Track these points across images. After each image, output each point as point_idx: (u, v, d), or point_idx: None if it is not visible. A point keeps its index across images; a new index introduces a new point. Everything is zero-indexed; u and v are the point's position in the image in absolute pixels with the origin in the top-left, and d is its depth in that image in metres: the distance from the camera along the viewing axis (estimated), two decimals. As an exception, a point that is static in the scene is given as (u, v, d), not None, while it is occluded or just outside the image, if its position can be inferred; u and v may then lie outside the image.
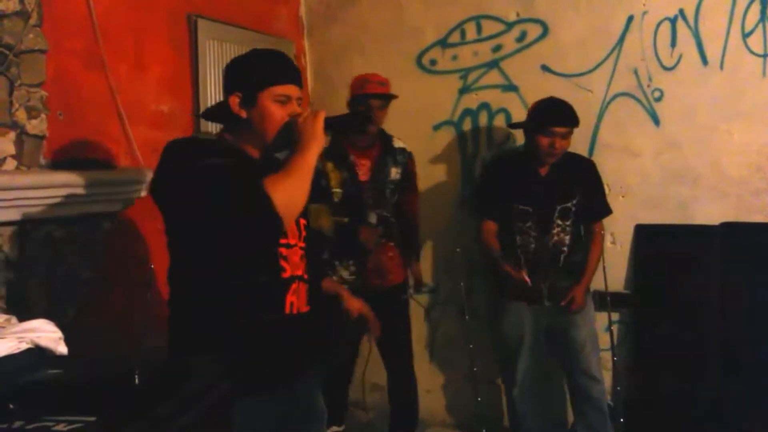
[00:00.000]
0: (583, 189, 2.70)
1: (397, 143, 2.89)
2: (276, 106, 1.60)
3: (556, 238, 2.66)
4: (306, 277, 1.69)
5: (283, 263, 1.61)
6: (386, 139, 2.87)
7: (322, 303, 1.83)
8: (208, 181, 1.45)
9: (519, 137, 3.16)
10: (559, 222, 2.67)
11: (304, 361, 1.71)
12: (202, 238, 1.52)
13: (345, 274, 2.76)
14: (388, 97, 2.76)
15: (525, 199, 2.65)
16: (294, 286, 1.64)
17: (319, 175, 2.69)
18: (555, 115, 2.60)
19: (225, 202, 1.43)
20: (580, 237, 2.72)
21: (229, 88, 1.64)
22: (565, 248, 2.66)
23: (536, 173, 2.68)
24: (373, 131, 2.76)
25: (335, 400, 2.84)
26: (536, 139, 2.61)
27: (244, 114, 1.61)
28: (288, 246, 1.63)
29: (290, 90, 1.61)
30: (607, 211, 2.79)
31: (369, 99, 2.71)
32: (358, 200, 2.75)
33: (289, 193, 1.46)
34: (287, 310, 1.61)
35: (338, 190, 2.76)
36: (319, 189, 2.65)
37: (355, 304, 1.98)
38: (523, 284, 2.50)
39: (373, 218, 2.75)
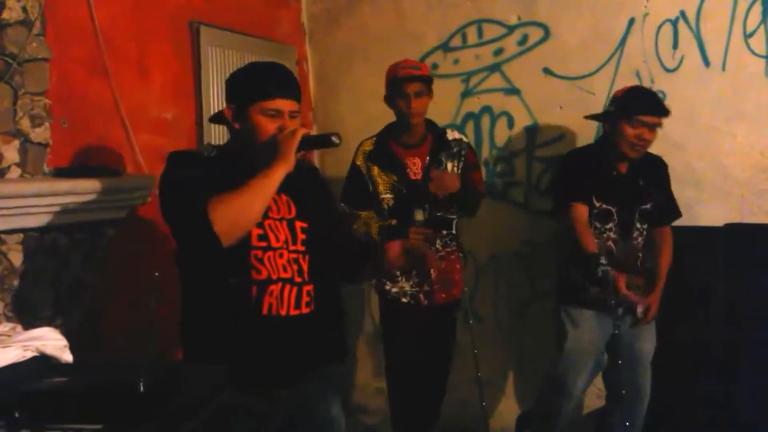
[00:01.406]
0: (658, 189, 2.56)
1: (451, 135, 2.66)
2: (265, 120, 1.65)
3: (635, 242, 2.52)
4: (299, 280, 1.71)
5: (257, 265, 1.65)
6: (438, 132, 2.66)
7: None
8: (168, 194, 1.59)
9: (520, 140, 3.18)
10: (638, 225, 2.52)
11: (298, 365, 1.72)
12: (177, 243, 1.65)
13: (407, 286, 2.58)
14: (423, 79, 2.54)
15: (607, 197, 2.45)
16: (272, 288, 1.66)
17: (365, 181, 2.59)
18: (646, 103, 2.40)
19: (173, 217, 1.57)
20: (651, 241, 2.59)
21: (226, 99, 1.73)
22: (640, 254, 2.52)
23: (617, 170, 2.49)
24: (415, 122, 2.55)
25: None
26: (622, 129, 2.40)
27: (236, 125, 1.69)
28: (266, 249, 1.67)
29: (280, 104, 1.66)
30: (678, 213, 2.63)
31: (403, 83, 2.49)
32: (413, 204, 2.53)
33: (233, 214, 1.51)
34: (264, 312, 1.65)
35: (388, 195, 2.58)
36: (365, 196, 2.59)
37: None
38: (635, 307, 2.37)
39: (419, 215, 2.51)
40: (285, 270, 1.69)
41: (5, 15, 1.95)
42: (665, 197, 2.60)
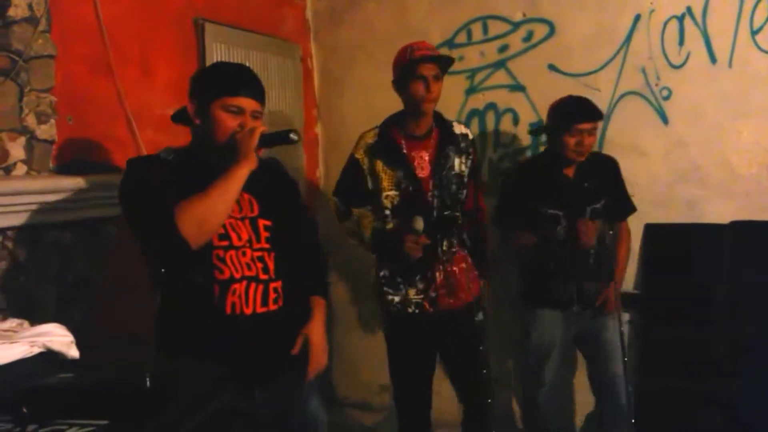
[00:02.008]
0: (609, 188, 2.66)
1: (458, 128, 2.49)
2: (226, 116, 1.66)
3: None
4: (264, 277, 1.72)
5: (219, 264, 1.66)
6: (445, 124, 2.46)
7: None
8: (131, 200, 1.63)
9: (525, 137, 3.17)
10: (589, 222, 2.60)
11: (269, 362, 1.72)
12: (141, 248, 1.67)
13: (412, 293, 2.38)
14: (444, 60, 2.35)
15: (554, 203, 2.57)
16: (235, 286, 1.67)
17: (364, 176, 2.39)
18: (579, 112, 2.53)
19: (138, 223, 1.59)
20: (605, 238, 2.67)
21: (189, 95, 1.74)
22: (593, 251, 2.60)
23: (563, 176, 2.61)
24: (429, 110, 2.36)
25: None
26: (562, 140, 2.53)
27: (197, 121, 1.70)
28: (228, 248, 1.68)
29: (243, 102, 1.68)
30: (632, 208, 2.75)
31: (419, 64, 2.26)
32: (419, 201, 2.35)
33: (199, 216, 1.54)
34: (228, 311, 1.66)
35: (392, 192, 2.36)
36: (361, 192, 2.41)
37: (312, 332, 1.84)
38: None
39: (418, 224, 2.28)
40: (249, 268, 1.70)
41: (11, 12, 1.95)
42: (617, 195, 2.69)
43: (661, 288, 2.92)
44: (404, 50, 2.36)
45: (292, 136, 1.69)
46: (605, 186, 2.64)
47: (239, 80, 1.70)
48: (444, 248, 2.39)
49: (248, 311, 1.67)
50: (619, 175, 2.72)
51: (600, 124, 2.58)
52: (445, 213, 2.40)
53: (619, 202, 2.70)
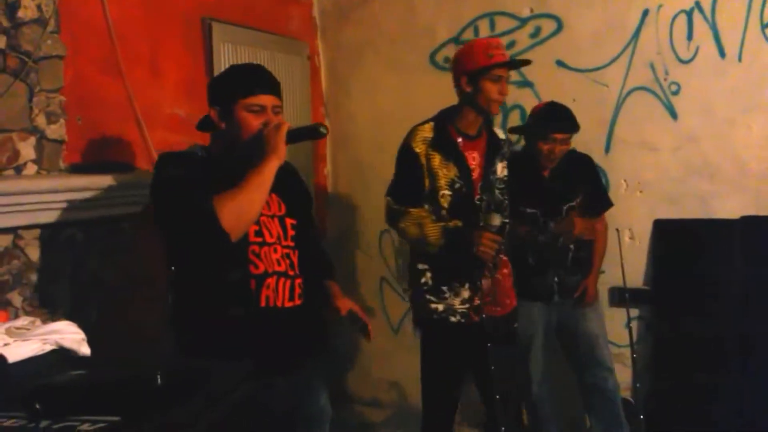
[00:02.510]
0: (585, 186, 2.72)
1: (500, 133, 2.43)
2: (250, 116, 1.71)
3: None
4: (291, 273, 1.79)
5: (255, 260, 1.72)
6: (490, 127, 2.39)
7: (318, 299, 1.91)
8: (169, 195, 1.62)
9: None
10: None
11: (294, 354, 1.78)
12: (176, 243, 1.68)
13: (456, 302, 2.26)
14: (522, 65, 2.39)
15: (531, 201, 2.63)
16: (269, 281, 1.73)
17: (423, 172, 2.24)
18: (555, 122, 2.60)
19: (176, 216, 1.58)
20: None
21: (209, 102, 1.78)
22: (572, 245, 2.66)
23: (540, 176, 2.68)
24: (497, 111, 2.31)
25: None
26: (537, 145, 2.62)
27: (222, 126, 1.74)
28: (262, 244, 1.74)
29: (263, 100, 1.72)
30: (608, 204, 2.78)
31: (499, 69, 2.22)
32: (469, 204, 2.26)
33: (238, 209, 1.57)
34: (263, 304, 1.72)
35: (446, 191, 2.24)
36: (421, 189, 2.25)
37: (345, 303, 1.93)
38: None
39: (496, 219, 2.17)
40: (279, 264, 1.77)
41: (20, 13, 1.97)
42: (593, 191, 2.73)
43: (672, 284, 2.90)
44: (481, 47, 2.25)
45: (322, 129, 1.74)
46: (580, 184, 2.70)
47: (256, 79, 1.74)
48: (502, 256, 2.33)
49: (279, 304, 1.74)
50: (594, 172, 2.79)
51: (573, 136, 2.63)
52: (506, 221, 2.33)
53: (595, 199, 2.74)
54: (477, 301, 2.27)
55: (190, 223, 1.56)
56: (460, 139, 2.28)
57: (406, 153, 2.28)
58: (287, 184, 1.84)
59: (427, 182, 2.25)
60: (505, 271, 2.39)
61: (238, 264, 1.70)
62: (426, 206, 2.27)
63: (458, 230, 2.22)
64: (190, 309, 1.74)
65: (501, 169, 2.40)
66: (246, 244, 1.69)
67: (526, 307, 2.65)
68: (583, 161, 2.77)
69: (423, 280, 2.29)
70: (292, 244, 1.82)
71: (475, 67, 2.21)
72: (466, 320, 2.27)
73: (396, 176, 2.33)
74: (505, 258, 2.39)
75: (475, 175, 2.30)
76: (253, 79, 1.74)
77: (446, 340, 2.31)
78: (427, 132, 2.28)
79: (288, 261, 1.79)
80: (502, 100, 2.27)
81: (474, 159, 2.30)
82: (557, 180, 2.68)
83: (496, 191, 2.37)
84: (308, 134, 1.79)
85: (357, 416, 3.48)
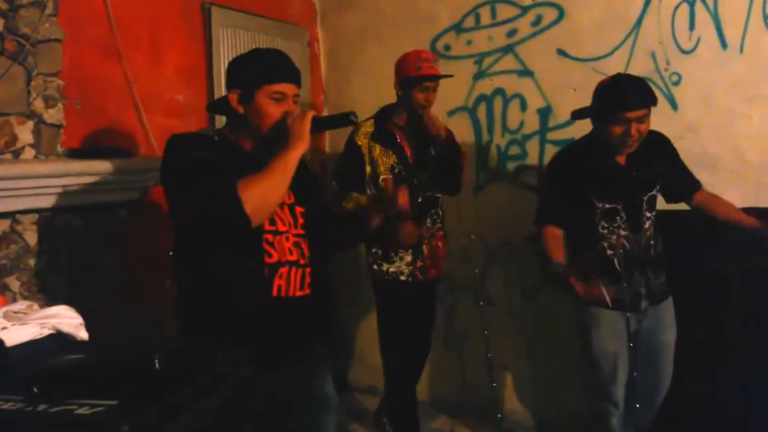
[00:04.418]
0: (667, 169, 2.38)
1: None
2: (271, 104, 1.67)
3: (647, 232, 2.34)
4: (302, 262, 1.77)
5: (268, 249, 1.69)
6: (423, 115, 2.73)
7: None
8: (190, 176, 1.56)
9: (533, 123, 3.15)
10: (647, 214, 2.35)
11: (302, 343, 1.79)
12: (191, 227, 1.64)
13: (403, 265, 2.69)
14: (443, 77, 2.65)
15: (610, 195, 2.28)
16: (282, 270, 1.71)
17: (364, 162, 2.64)
18: (625, 98, 2.15)
19: (199, 198, 1.53)
20: (660, 224, 2.42)
21: (229, 84, 1.73)
22: (653, 241, 2.35)
23: (615, 164, 2.29)
24: (426, 113, 2.64)
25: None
26: (608, 129, 2.19)
27: (241, 110, 1.70)
28: (276, 233, 1.72)
29: (286, 88, 1.68)
30: (698, 182, 2.42)
31: (424, 81, 2.58)
32: (408, 184, 2.40)
33: (262, 194, 1.54)
34: (275, 294, 1.70)
35: (387, 176, 2.64)
36: (361, 176, 2.64)
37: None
38: (603, 300, 2.16)
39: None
40: (291, 253, 1.75)
41: (18, -5, 1.96)
42: (679, 172, 2.41)
43: (669, 275, 2.91)
44: (412, 61, 2.59)
45: (352, 117, 1.70)
46: (660, 167, 2.36)
47: (281, 67, 1.70)
48: (429, 225, 2.73)
49: (291, 293, 1.73)
50: (675, 152, 2.42)
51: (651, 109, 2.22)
52: (428, 194, 2.70)
53: (684, 181, 2.40)
54: (419, 263, 2.69)
55: (213, 207, 1.52)
56: (397, 132, 2.67)
57: (349, 146, 2.70)
58: (297, 173, 1.76)
59: (369, 169, 2.64)
60: (440, 243, 2.80)
61: (253, 252, 1.67)
62: (368, 191, 2.65)
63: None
64: (199, 296, 1.70)
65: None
66: (261, 232, 1.67)
67: (609, 318, 2.28)
68: (663, 142, 2.40)
69: (374, 250, 2.72)
70: (302, 232, 1.80)
71: (404, 76, 2.60)
72: (413, 278, 2.70)
73: (339, 164, 2.76)
74: (441, 231, 2.81)
75: (410, 160, 2.68)
76: (277, 66, 1.70)
77: (397, 297, 2.72)
78: (368, 127, 2.69)
79: (299, 250, 1.77)
80: (428, 106, 2.62)
81: (408, 147, 2.69)
82: (635, 166, 2.28)
83: (432, 170, 2.69)
84: (339, 122, 1.75)
85: (353, 403, 3.50)
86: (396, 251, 2.68)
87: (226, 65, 1.82)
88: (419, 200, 2.63)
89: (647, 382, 2.38)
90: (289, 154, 1.60)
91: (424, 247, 2.71)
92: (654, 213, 2.41)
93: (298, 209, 1.81)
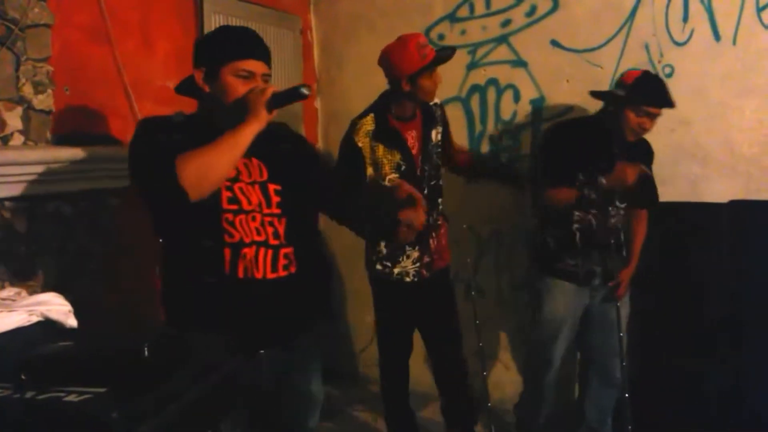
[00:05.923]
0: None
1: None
2: (237, 81, 1.64)
3: (613, 219, 2.54)
4: (274, 242, 1.70)
5: (228, 228, 1.65)
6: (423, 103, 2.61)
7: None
8: (136, 155, 1.58)
9: (526, 113, 3.15)
10: (618, 204, 2.55)
11: (277, 327, 1.71)
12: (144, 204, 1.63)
13: (409, 263, 2.55)
14: (450, 56, 2.52)
15: (594, 175, 2.43)
16: (245, 251, 1.66)
17: (364, 163, 2.45)
18: (656, 95, 2.40)
19: (142, 175, 1.55)
20: (627, 220, 2.63)
21: (195, 63, 1.69)
22: (618, 229, 2.55)
23: (610, 148, 2.47)
24: (432, 100, 2.54)
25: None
26: (625, 116, 2.41)
27: (207, 89, 1.66)
28: (237, 212, 1.66)
29: (253, 65, 1.65)
30: (656, 200, 2.65)
31: (435, 67, 2.43)
32: (414, 178, 2.46)
33: (201, 168, 1.50)
34: (241, 275, 1.65)
35: (393, 175, 2.46)
36: (360, 179, 2.45)
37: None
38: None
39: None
40: (259, 233, 1.68)
41: (6, -21, 1.93)
42: (649, 181, 2.57)
43: (660, 266, 2.92)
44: (413, 48, 2.41)
45: (303, 90, 1.64)
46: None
47: (248, 43, 1.67)
48: (434, 217, 2.59)
49: (258, 276, 1.67)
50: (652, 163, 2.62)
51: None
52: (432, 183, 2.59)
53: (648, 190, 2.57)
54: (426, 259, 2.56)
55: (151, 181, 1.52)
56: (398, 124, 2.50)
57: (346, 146, 2.50)
58: (273, 147, 1.74)
59: (370, 170, 2.46)
60: (443, 231, 2.69)
61: (212, 232, 1.63)
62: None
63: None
64: (173, 279, 1.72)
65: (435, 135, 2.61)
66: (219, 211, 1.63)
67: (561, 287, 2.55)
68: (649, 148, 2.63)
69: (379, 249, 2.57)
70: (277, 211, 1.72)
71: (414, 70, 2.40)
72: (419, 278, 2.56)
73: (338, 166, 2.56)
74: (444, 222, 2.69)
75: (415, 150, 2.53)
76: (244, 42, 1.66)
77: (400, 297, 2.60)
78: (369, 125, 2.48)
79: (271, 229, 1.70)
80: (436, 88, 2.50)
81: (412, 137, 2.54)
82: (628, 158, 2.45)
83: (434, 156, 2.60)
84: (291, 97, 1.67)
85: (342, 392, 3.50)
86: (403, 249, 2.52)
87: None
88: (425, 192, 2.50)
89: (604, 349, 2.63)
90: (240, 129, 1.56)
91: (431, 240, 2.57)
92: (624, 206, 2.57)
93: (272, 187, 1.72)
